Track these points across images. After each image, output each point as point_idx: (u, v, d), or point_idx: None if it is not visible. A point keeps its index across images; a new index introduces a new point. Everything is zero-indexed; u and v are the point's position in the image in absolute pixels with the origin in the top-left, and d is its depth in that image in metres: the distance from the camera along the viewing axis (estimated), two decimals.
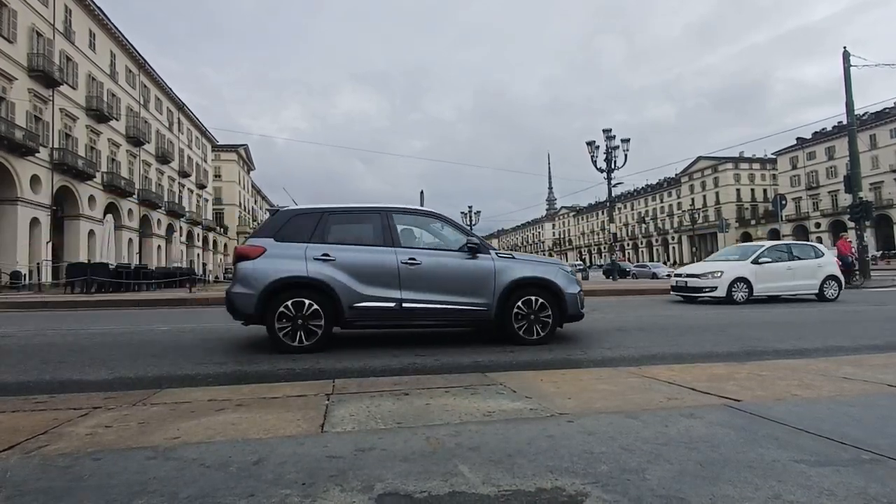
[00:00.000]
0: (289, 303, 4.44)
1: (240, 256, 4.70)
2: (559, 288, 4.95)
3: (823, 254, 11.28)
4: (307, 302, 4.46)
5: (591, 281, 24.88)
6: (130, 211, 36.54)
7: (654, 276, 31.87)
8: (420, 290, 4.68)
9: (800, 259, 10.99)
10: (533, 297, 4.85)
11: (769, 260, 10.67)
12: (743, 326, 6.28)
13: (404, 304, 4.63)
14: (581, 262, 60.34)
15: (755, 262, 10.55)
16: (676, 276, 11.68)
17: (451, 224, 5.18)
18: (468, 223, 35.34)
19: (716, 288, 10.21)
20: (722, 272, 10.31)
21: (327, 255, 4.62)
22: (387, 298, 4.61)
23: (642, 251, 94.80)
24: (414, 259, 4.72)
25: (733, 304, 9.98)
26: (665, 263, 56.17)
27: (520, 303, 4.82)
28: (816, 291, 10.76)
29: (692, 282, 10.71)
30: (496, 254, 4.99)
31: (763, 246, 11.14)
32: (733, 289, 10.17)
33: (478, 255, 4.88)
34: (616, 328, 6.19)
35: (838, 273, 11.07)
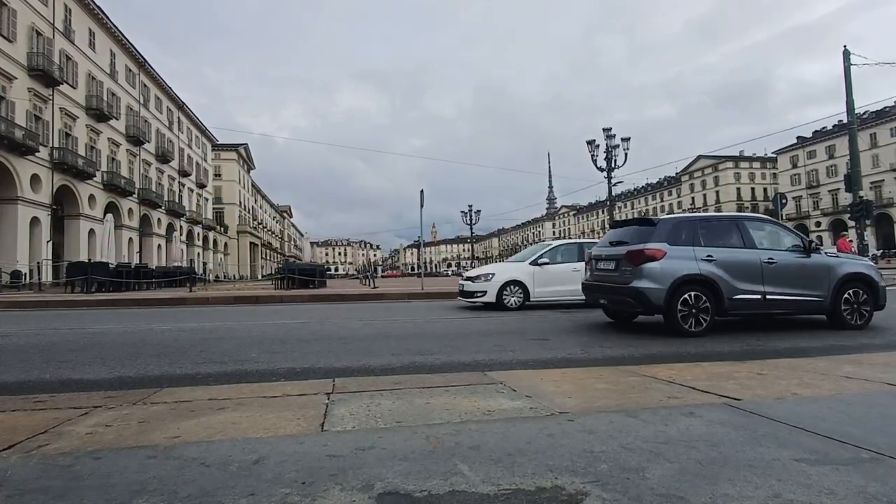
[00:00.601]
0: (685, 296, 5.32)
1: (648, 258, 5.47)
2: (874, 282, 5.84)
3: None
4: (699, 294, 5.35)
5: None
6: (130, 210, 36.54)
7: None
8: (777, 285, 5.59)
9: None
10: (856, 290, 5.76)
11: (551, 261, 9.50)
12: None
13: (767, 296, 5.54)
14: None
15: (534, 263, 9.42)
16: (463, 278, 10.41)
17: (783, 228, 6.10)
18: (468, 222, 35.28)
19: (485, 292, 9.16)
20: (493, 274, 9.31)
21: (711, 256, 5.52)
22: (754, 291, 5.53)
23: None
24: (772, 259, 5.64)
25: (506, 309, 8.92)
26: None
27: (848, 293, 5.73)
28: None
29: (467, 285, 9.60)
30: (825, 253, 5.94)
31: (550, 245, 10.05)
32: (505, 293, 9.10)
33: (812, 254, 5.82)
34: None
35: None
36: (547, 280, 9.35)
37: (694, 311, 5.30)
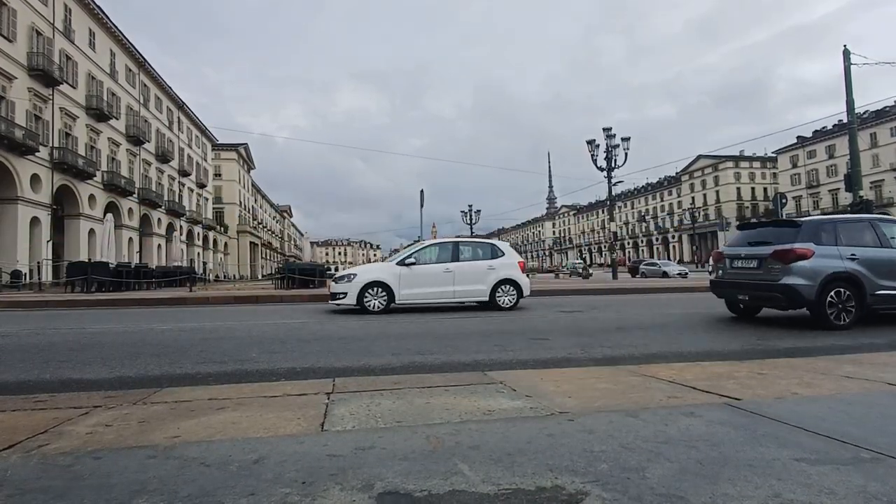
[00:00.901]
0: (832, 292, 5.75)
1: (798, 256, 5.86)
2: None
3: (504, 253, 9.49)
4: (846, 290, 5.79)
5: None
6: (130, 210, 36.54)
7: (665, 274, 31.40)
8: None
9: (468, 260, 9.26)
10: None
11: (419, 261, 9.03)
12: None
13: None
14: (581, 261, 60.24)
15: (401, 263, 8.98)
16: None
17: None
18: (468, 222, 35.26)
19: (346, 294, 8.65)
20: (355, 275, 8.82)
21: (854, 255, 5.95)
22: (892, 287, 5.98)
23: (643, 250, 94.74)
24: None
25: (368, 313, 8.45)
26: (681, 262, 55.92)
27: None
28: (487, 298, 9.02)
29: (332, 286, 9.08)
30: None
31: (422, 245, 9.63)
32: (366, 295, 8.58)
33: None
34: None
35: (518, 277, 9.27)
36: (414, 281, 8.86)
37: (840, 306, 5.77)
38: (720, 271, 7.07)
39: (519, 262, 9.61)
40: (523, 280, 9.44)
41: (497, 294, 9.11)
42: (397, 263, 9.06)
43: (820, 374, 3.01)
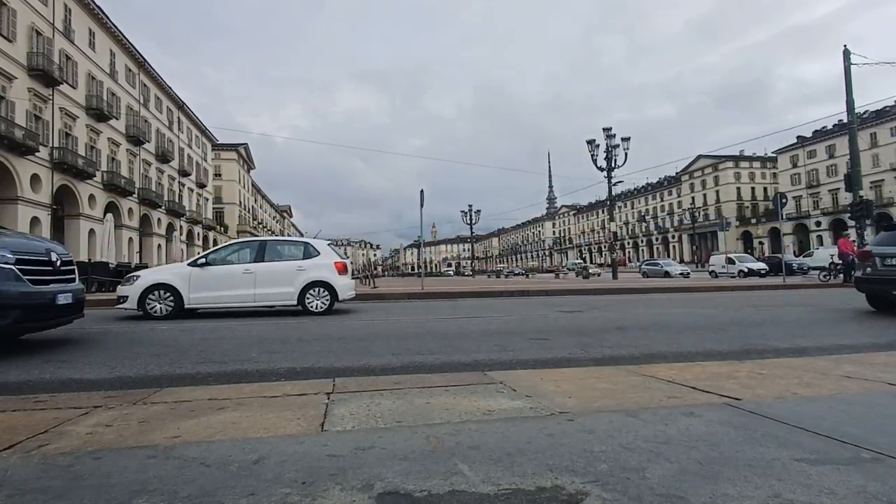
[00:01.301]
0: None
1: None
2: None
3: (318, 253, 8.93)
4: None
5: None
6: (130, 210, 36.55)
7: (667, 274, 31.28)
8: None
9: (275, 260, 8.72)
10: None
11: (216, 262, 8.51)
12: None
13: None
14: (581, 261, 60.23)
15: (193, 263, 8.41)
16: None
17: None
18: (468, 222, 35.25)
19: (127, 298, 8.02)
20: (138, 276, 8.21)
21: None
22: None
23: (642, 250, 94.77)
24: None
25: (151, 318, 7.85)
26: (682, 262, 55.79)
27: None
28: (295, 302, 8.49)
29: (119, 289, 8.43)
30: None
31: (226, 244, 9.18)
32: (149, 299, 7.96)
33: None
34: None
35: (333, 278, 8.70)
36: (208, 284, 8.22)
37: None
38: (868, 269, 7.48)
39: (336, 263, 8.90)
40: (339, 282, 8.75)
41: (307, 298, 8.50)
42: (189, 264, 8.46)
43: (820, 374, 3.01)
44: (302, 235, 46.15)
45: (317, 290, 8.63)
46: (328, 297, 8.65)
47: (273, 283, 8.46)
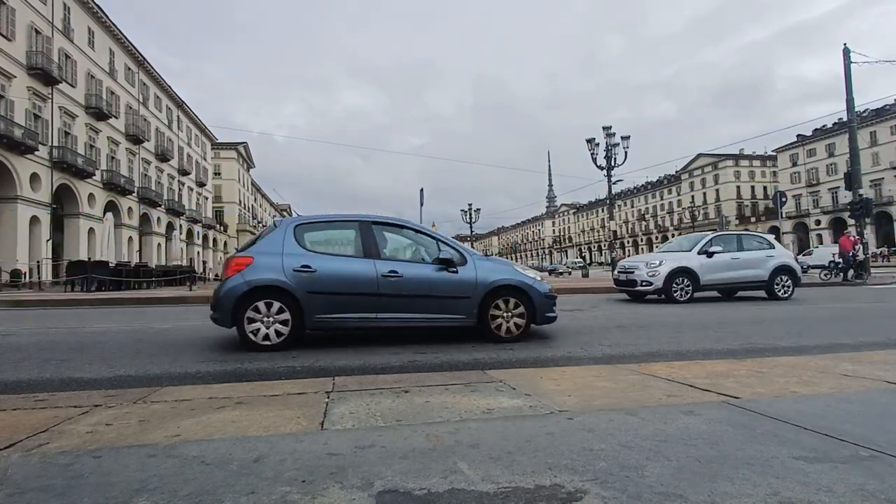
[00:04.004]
0: None
1: None
2: None
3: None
4: None
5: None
6: (130, 209, 36.52)
7: None
8: None
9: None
10: None
11: None
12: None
13: None
14: (581, 260, 60.33)
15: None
16: None
17: None
18: (468, 221, 35.22)
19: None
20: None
21: None
22: None
23: (642, 248, 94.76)
24: None
25: None
26: None
27: None
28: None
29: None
30: None
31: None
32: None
33: None
34: None
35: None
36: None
37: None
38: None
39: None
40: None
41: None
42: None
43: (819, 373, 3.02)
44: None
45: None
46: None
47: None
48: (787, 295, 10.20)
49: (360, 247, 4.81)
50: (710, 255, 9.94)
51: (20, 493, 1.45)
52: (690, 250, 10.22)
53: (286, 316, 4.44)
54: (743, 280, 10.20)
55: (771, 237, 11.16)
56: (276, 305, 4.43)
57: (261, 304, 4.41)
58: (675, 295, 9.63)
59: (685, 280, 9.73)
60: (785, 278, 10.27)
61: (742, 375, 2.97)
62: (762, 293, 10.53)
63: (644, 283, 9.86)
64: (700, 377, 2.93)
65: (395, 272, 4.68)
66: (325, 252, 4.77)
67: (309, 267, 4.55)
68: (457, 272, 4.85)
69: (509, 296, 4.94)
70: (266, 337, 4.41)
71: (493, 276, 4.94)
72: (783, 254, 10.48)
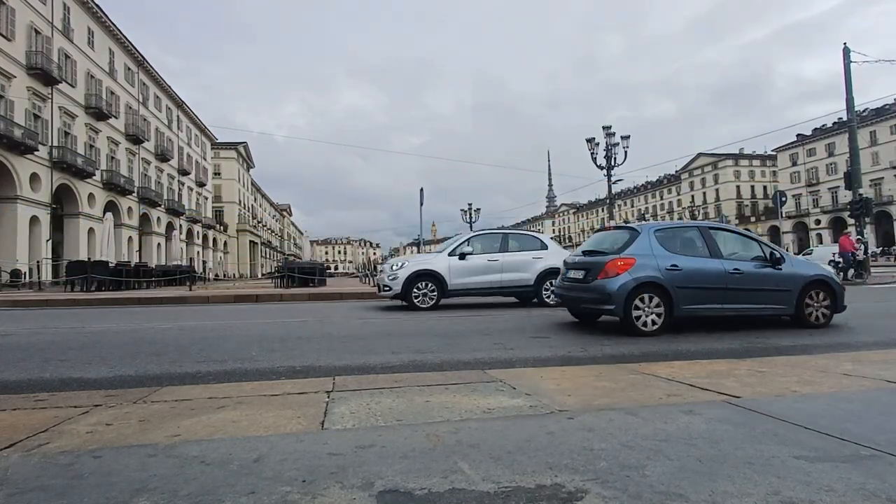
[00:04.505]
0: None
1: None
2: None
3: None
4: None
5: None
6: (130, 209, 36.51)
7: None
8: None
9: None
10: None
11: None
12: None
13: None
14: None
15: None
16: None
17: None
18: (468, 220, 35.22)
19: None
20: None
21: None
22: None
23: None
24: None
25: None
26: None
27: None
28: None
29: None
30: None
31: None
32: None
33: None
34: None
35: None
36: None
37: None
38: None
39: None
40: None
41: None
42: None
43: (819, 372, 3.02)
44: (302, 234, 46.14)
45: None
46: None
47: None
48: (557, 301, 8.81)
49: (706, 248, 5.63)
50: (462, 256, 9.01)
51: (20, 493, 1.45)
52: (443, 251, 9.27)
53: (661, 308, 5.25)
54: (501, 285, 9.12)
55: (547, 237, 9.94)
56: (655, 299, 5.24)
57: (644, 297, 5.22)
58: (416, 301, 8.69)
59: (429, 285, 8.77)
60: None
61: (742, 375, 2.96)
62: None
63: (385, 288, 8.97)
64: (700, 376, 2.92)
65: (738, 270, 5.50)
66: (681, 253, 5.57)
67: (676, 266, 5.37)
68: (781, 269, 5.62)
69: (818, 289, 5.71)
70: (645, 324, 5.20)
71: (808, 271, 5.75)
72: (557, 256, 9.11)
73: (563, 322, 6.56)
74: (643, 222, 6.02)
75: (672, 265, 5.35)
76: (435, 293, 8.85)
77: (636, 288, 5.19)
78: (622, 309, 5.15)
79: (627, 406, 2.31)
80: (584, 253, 6.23)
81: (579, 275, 5.85)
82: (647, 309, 5.21)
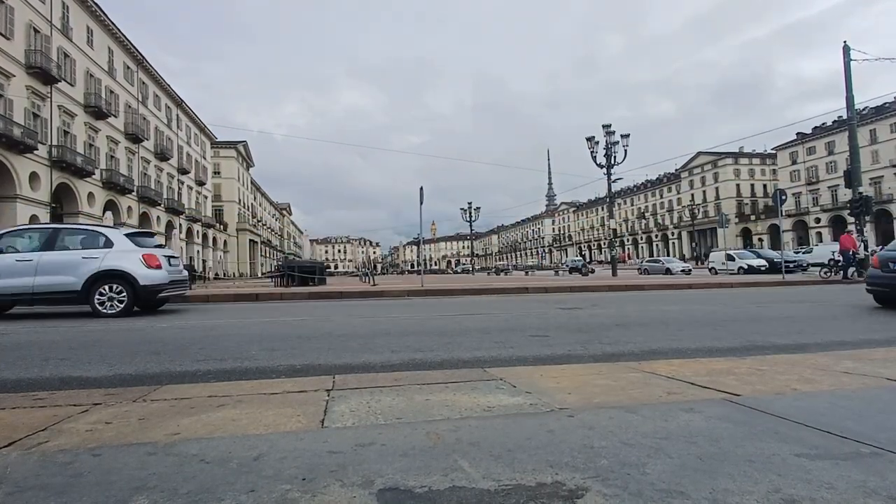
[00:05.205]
0: None
1: None
2: None
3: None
4: None
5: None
6: (129, 208, 36.52)
7: (668, 271, 31.63)
8: None
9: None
10: None
11: None
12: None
13: None
14: (581, 258, 60.37)
15: None
16: None
17: None
18: (468, 220, 35.21)
19: None
20: None
21: None
22: None
23: (642, 247, 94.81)
24: None
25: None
26: (682, 259, 55.94)
27: None
28: None
29: None
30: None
31: None
32: None
33: None
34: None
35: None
36: None
37: None
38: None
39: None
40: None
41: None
42: None
43: (819, 370, 3.02)
44: (302, 233, 46.04)
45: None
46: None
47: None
48: (115, 311, 7.57)
49: None
50: None
51: (19, 492, 1.44)
52: None
53: None
54: (34, 291, 7.50)
55: (116, 232, 8.31)
56: None
57: None
58: None
59: None
60: (117, 288, 7.61)
61: (742, 373, 2.96)
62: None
63: None
64: (700, 374, 2.92)
65: None
66: None
67: None
68: None
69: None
70: None
71: None
72: (120, 256, 7.72)
73: (563, 320, 6.56)
74: None
75: None
76: None
77: None
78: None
79: (628, 404, 2.30)
80: None
81: None
82: None
